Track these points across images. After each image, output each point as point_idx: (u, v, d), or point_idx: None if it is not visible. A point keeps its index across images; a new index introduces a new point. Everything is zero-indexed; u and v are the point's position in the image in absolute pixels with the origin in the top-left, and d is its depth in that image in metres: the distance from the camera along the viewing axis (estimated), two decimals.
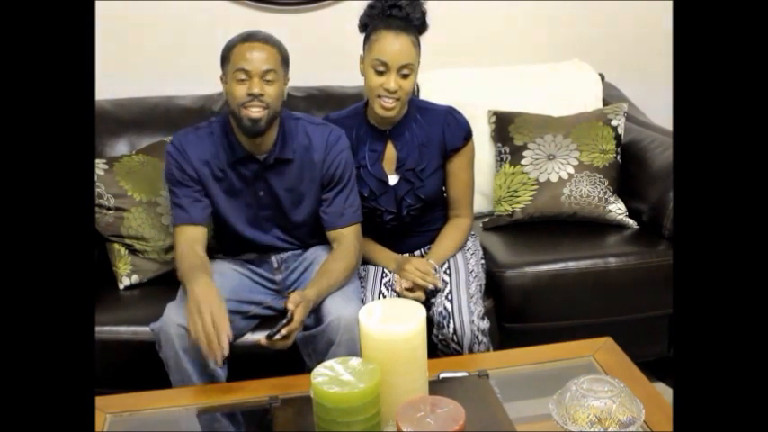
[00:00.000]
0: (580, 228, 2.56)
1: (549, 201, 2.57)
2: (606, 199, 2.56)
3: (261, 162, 2.04)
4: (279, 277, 2.19)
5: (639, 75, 3.10)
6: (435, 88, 2.70)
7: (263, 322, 2.13)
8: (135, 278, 2.36)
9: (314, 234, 2.17)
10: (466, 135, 2.21)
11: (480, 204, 2.66)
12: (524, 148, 2.63)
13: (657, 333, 2.46)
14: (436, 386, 1.69)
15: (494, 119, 2.74)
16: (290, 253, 2.19)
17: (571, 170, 2.58)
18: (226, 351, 1.78)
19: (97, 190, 2.36)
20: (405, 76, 2.04)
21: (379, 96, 2.04)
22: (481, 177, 2.58)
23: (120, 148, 2.58)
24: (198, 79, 2.39)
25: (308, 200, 2.10)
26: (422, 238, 2.29)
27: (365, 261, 2.21)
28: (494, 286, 2.32)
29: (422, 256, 2.27)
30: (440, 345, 2.06)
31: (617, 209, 2.56)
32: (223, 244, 2.19)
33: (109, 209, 2.36)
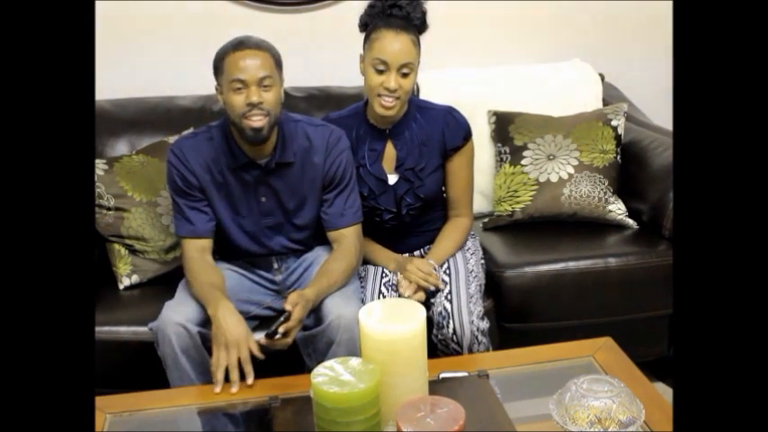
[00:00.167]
0: (580, 228, 2.56)
1: (549, 201, 2.57)
2: (606, 199, 2.56)
3: (262, 167, 2.03)
4: (279, 278, 2.19)
5: (639, 75, 3.10)
6: (435, 88, 2.70)
7: (264, 323, 2.13)
8: (135, 278, 2.36)
9: (316, 236, 2.17)
10: (465, 134, 2.21)
11: (480, 204, 2.67)
12: (524, 148, 2.64)
13: (657, 333, 2.47)
14: (436, 386, 1.69)
15: (494, 119, 2.74)
16: (290, 254, 2.19)
17: (571, 170, 2.58)
18: (249, 380, 1.81)
19: (97, 190, 2.36)
20: (405, 75, 2.04)
21: (379, 95, 2.04)
22: (481, 177, 2.58)
23: (120, 148, 2.58)
24: (198, 79, 2.38)
25: (310, 202, 2.10)
26: (421, 238, 2.29)
27: (365, 261, 2.21)
28: (494, 286, 2.32)
29: (422, 256, 2.27)
30: (440, 345, 2.06)
31: (617, 209, 2.57)
32: (224, 251, 2.18)
33: (109, 209, 2.36)
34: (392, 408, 1.49)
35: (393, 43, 2.01)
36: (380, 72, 2.03)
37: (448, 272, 2.17)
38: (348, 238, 2.09)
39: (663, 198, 2.46)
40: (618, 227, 2.57)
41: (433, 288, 2.11)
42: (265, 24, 2.78)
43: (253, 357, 1.83)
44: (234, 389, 1.79)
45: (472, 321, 2.03)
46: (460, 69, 2.87)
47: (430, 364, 1.65)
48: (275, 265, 2.18)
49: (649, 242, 2.46)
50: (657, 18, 3.02)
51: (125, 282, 2.36)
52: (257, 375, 1.83)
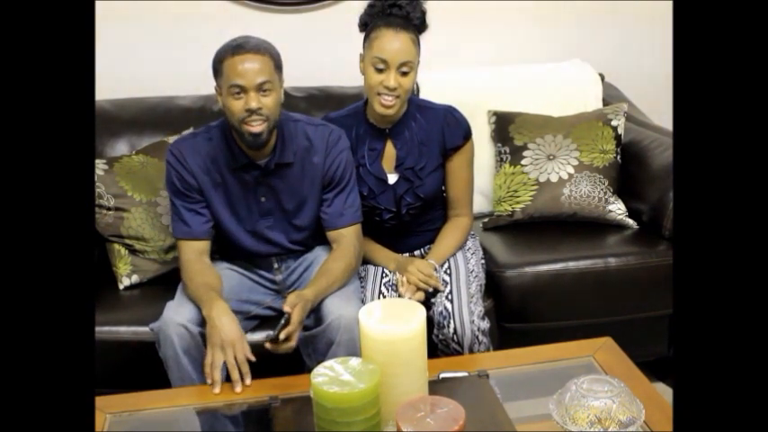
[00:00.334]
0: (580, 228, 2.56)
1: (549, 201, 2.57)
2: (606, 199, 2.56)
3: (261, 167, 2.03)
4: (279, 277, 2.19)
5: (639, 75, 3.10)
6: (435, 88, 2.70)
7: (264, 322, 2.13)
8: (135, 278, 2.36)
9: (316, 236, 2.17)
10: (465, 134, 2.21)
11: (480, 204, 2.66)
12: (524, 148, 2.63)
13: (657, 333, 2.46)
14: (436, 386, 1.69)
15: (494, 119, 2.74)
16: (290, 254, 2.19)
17: (571, 170, 2.58)
18: (247, 380, 1.81)
19: (97, 190, 2.36)
20: (404, 74, 2.04)
21: (379, 94, 2.05)
22: (481, 177, 2.58)
23: (120, 148, 2.58)
24: (198, 79, 2.38)
25: (310, 202, 2.10)
26: (421, 238, 2.29)
27: (365, 261, 2.21)
28: (494, 286, 2.32)
29: (422, 256, 2.27)
30: (440, 345, 2.06)
31: (617, 209, 2.57)
32: (223, 251, 2.18)
33: (109, 209, 2.36)
34: (392, 408, 1.48)
35: (393, 42, 2.01)
36: (380, 71, 2.03)
37: (448, 272, 2.17)
38: (347, 237, 2.09)
39: (663, 198, 2.46)
40: (618, 227, 2.57)
41: (432, 290, 2.11)
42: (265, 24, 2.78)
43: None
44: (237, 388, 1.79)
45: (473, 321, 2.03)
46: (460, 69, 2.87)
47: (430, 364, 1.65)
48: (275, 265, 2.18)
49: (649, 242, 2.46)
50: (657, 18, 3.02)
51: (125, 282, 2.36)
52: (258, 375, 1.83)
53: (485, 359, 1.98)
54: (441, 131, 2.18)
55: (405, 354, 1.56)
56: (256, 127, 1.92)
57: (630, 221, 2.56)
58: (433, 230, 2.28)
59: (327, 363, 1.54)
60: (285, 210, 2.09)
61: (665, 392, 2.20)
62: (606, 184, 2.58)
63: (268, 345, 1.84)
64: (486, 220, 2.64)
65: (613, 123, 2.67)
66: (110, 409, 1.75)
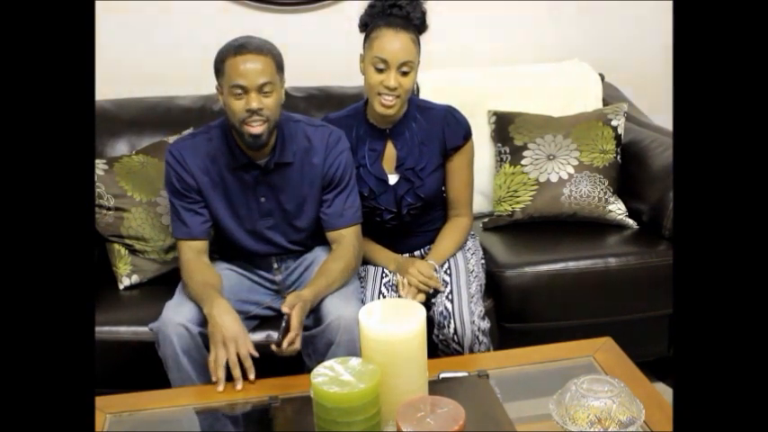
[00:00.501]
0: (580, 228, 2.56)
1: (549, 201, 2.57)
2: (606, 199, 2.56)
3: (261, 167, 2.03)
4: (278, 278, 2.19)
5: (639, 75, 3.10)
6: (435, 88, 2.70)
7: (264, 322, 2.13)
8: (135, 278, 2.36)
9: (315, 237, 2.17)
10: (466, 134, 2.21)
11: (480, 204, 2.67)
12: (524, 148, 2.64)
13: (657, 333, 2.47)
14: (436, 386, 1.69)
15: (494, 119, 2.74)
16: (290, 254, 2.19)
17: (571, 170, 2.58)
18: (251, 375, 1.81)
19: (97, 190, 2.36)
20: (405, 74, 2.04)
21: (379, 94, 2.05)
22: (481, 177, 2.58)
23: (120, 148, 2.58)
24: (198, 79, 2.39)
25: (309, 202, 2.10)
26: (422, 238, 2.29)
27: (365, 261, 2.21)
28: (494, 286, 2.32)
29: (422, 257, 2.27)
30: (440, 345, 2.06)
31: (617, 209, 2.57)
32: (223, 251, 2.18)
33: (109, 209, 2.36)
34: (392, 408, 1.48)
35: (393, 42, 2.01)
36: (380, 71, 2.03)
37: (448, 272, 2.17)
38: (347, 238, 2.09)
39: (663, 198, 2.46)
40: (618, 227, 2.57)
41: (432, 290, 2.11)
42: (265, 24, 2.77)
43: (252, 358, 1.83)
44: (238, 386, 1.79)
45: (473, 321, 2.03)
46: (460, 69, 2.87)
47: (430, 364, 1.65)
48: (275, 265, 2.18)
49: (649, 242, 2.46)
50: (657, 18, 3.03)
51: (125, 282, 2.36)
52: (258, 375, 1.83)
53: (485, 359, 1.98)
54: (441, 131, 2.18)
55: (405, 354, 1.56)
56: (256, 128, 1.92)
57: (630, 221, 2.56)
58: (433, 231, 2.28)
59: (327, 363, 1.54)
60: (285, 210, 2.09)
61: (665, 392, 2.19)
62: (606, 184, 2.58)
63: (274, 348, 1.84)
64: (486, 220, 2.64)
65: (613, 123, 2.67)
66: (110, 409, 1.75)
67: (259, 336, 2.07)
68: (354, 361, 1.54)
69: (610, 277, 2.37)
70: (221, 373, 1.80)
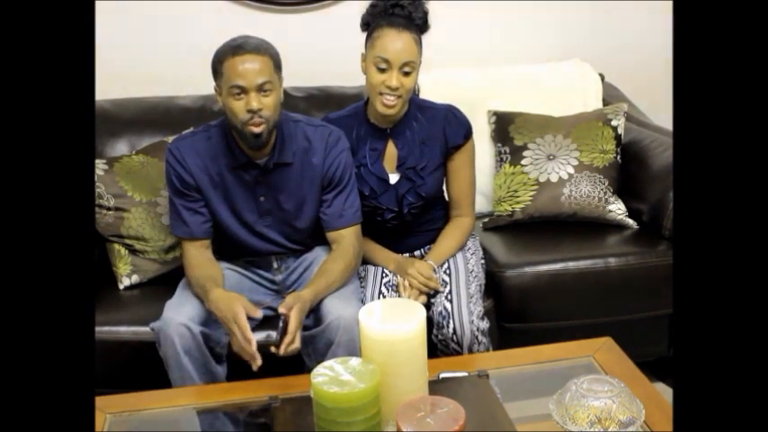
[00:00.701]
0: (580, 228, 2.56)
1: (549, 201, 2.57)
2: (606, 199, 2.56)
3: (261, 167, 2.03)
4: (279, 277, 2.19)
5: (639, 75, 3.10)
6: (435, 88, 2.70)
7: (264, 322, 2.13)
8: (135, 278, 2.36)
9: (315, 236, 2.17)
10: (466, 133, 2.21)
11: (480, 204, 2.66)
12: (524, 148, 2.64)
13: (657, 333, 2.47)
14: (436, 386, 1.69)
15: (494, 119, 2.74)
16: (290, 253, 2.19)
17: (571, 170, 2.58)
18: (258, 361, 1.83)
19: (97, 190, 2.36)
20: (406, 74, 2.04)
21: (381, 94, 2.05)
22: (481, 177, 2.58)
23: (120, 148, 2.58)
24: (198, 79, 2.38)
25: (309, 203, 2.10)
26: (422, 238, 2.29)
27: (365, 261, 2.21)
28: (494, 286, 2.32)
29: (422, 256, 2.27)
30: (440, 345, 2.06)
31: (617, 209, 2.57)
32: (223, 250, 2.18)
33: (109, 209, 2.36)
34: (392, 408, 1.48)
35: (395, 41, 2.01)
36: (382, 70, 2.03)
37: (448, 272, 2.17)
38: (347, 238, 2.09)
39: (663, 198, 2.46)
40: (618, 227, 2.57)
41: (432, 292, 2.11)
42: (265, 24, 2.78)
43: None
44: (258, 362, 1.82)
45: (472, 321, 2.03)
46: (460, 69, 2.87)
47: (430, 364, 1.65)
48: (275, 265, 2.18)
49: (649, 242, 2.46)
50: (657, 18, 3.03)
51: (125, 282, 2.36)
52: (257, 375, 1.83)
53: (485, 359, 1.98)
54: (442, 130, 2.18)
55: (405, 354, 1.56)
56: (257, 128, 1.92)
57: (630, 221, 2.56)
58: (434, 230, 2.28)
59: (327, 363, 1.54)
60: (284, 210, 2.09)
61: (665, 392, 2.19)
62: (606, 184, 2.58)
63: (273, 349, 1.84)
64: (486, 220, 2.64)
65: (613, 123, 2.67)
66: (110, 409, 1.75)
67: (259, 336, 2.07)
68: (354, 361, 1.54)
69: (610, 277, 2.37)
70: (251, 352, 1.82)
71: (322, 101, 2.71)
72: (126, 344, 2.13)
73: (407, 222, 2.24)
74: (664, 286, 2.31)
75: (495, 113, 2.74)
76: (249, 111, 1.90)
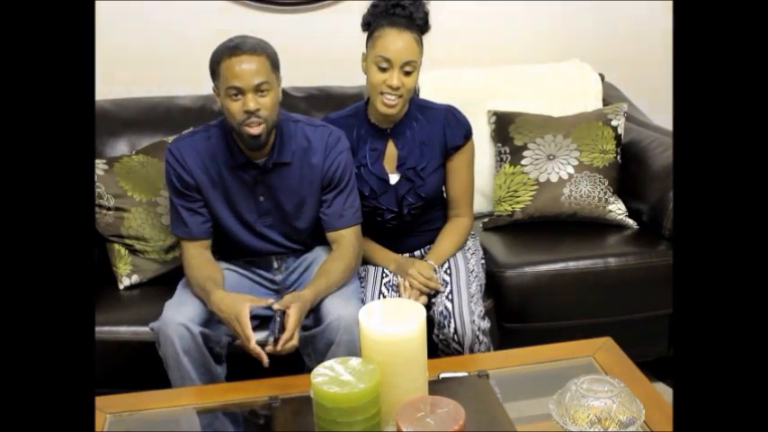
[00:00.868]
0: (580, 228, 2.56)
1: (549, 201, 2.57)
2: (606, 199, 2.56)
3: (260, 166, 2.03)
4: (279, 277, 2.19)
5: (639, 75, 3.10)
6: (435, 88, 2.70)
7: (264, 322, 2.13)
8: (135, 278, 2.36)
9: (315, 236, 2.17)
10: (466, 133, 2.21)
11: (480, 204, 2.66)
12: (524, 148, 2.64)
13: (657, 333, 2.46)
14: (436, 386, 1.69)
15: (494, 119, 2.74)
16: (290, 253, 2.19)
17: (571, 170, 2.58)
18: (265, 359, 1.83)
19: (97, 190, 2.36)
20: (407, 74, 2.04)
21: (382, 93, 2.05)
22: (481, 177, 2.58)
23: (120, 148, 2.58)
24: (198, 79, 2.38)
25: (309, 203, 2.10)
26: (422, 238, 2.29)
27: (365, 261, 2.21)
28: (494, 286, 2.32)
29: (422, 257, 2.27)
30: (440, 345, 2.06)
31: (617, 209, 2.57)
32: (223, 251, 2.18)
33: (109, 209, 2.36)
34: (392, 408, 1.48)
35: (396, 41, 2.01)
36: (383, 70, 2.03)
37: (448, 272, 2.17)
38: (347, 238, 2.09)
39: (663, 198, 2.46)
40: (618, 227, 2.57)
41: (433, 292, 2.11)
42: (265, 24, 2.78)
43: (252, 357, 1.84)
44: (265, 359, 1.82)
45: (473, 321, 2.03)
46: (460, 69, 2.87)
47: (430, 364, 1.65)
48: (275, 265, 2.18)
49: (649, 242, 2.46)
50: (657, 18, 3.03)
51: (125, 282, 2.36)
52: (257, 375, 1.83)
53: (485, 359, 1.98)
54: (442, 131, 2.18)
55: (405, 354, 1.56)
56: (255, 128, 1.92)
57: (630, 221, 2.56)
58: (433, 230, 2.28)
59: (327, 363, 1.54)
60: (284, 210, 2.09)
61: (665, 392, 2.20)
62: (606, 184, 2.58)
63: (269, 348, 1.83)
64: (486, 220, 2.64)
65: (613, 123, 2.67)
66: (110, 409, 1.75)
67: (259, 336, 2.07)
68: (354, 361, 1.54)
69: (610, 277, 2.37)
70: (257, 351, 1.83)
71: (322, 101, 2.71)
72: (126, 344, 2.13)
73: (407, 223, 2.24)
74: (664, 286, 2.30)
75: (495, 113, 2.74)
76: (246, 112, 1.90)
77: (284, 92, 2.04)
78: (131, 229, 2.36)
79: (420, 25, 2.06)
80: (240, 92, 1.89)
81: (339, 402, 1.46)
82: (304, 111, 2.53)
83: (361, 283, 2.17)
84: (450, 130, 2.19)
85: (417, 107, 2.20)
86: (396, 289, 2.14)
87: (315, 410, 1.50)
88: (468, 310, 2.04)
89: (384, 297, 2.12)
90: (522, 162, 2.62)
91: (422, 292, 2.10)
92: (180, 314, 1.91)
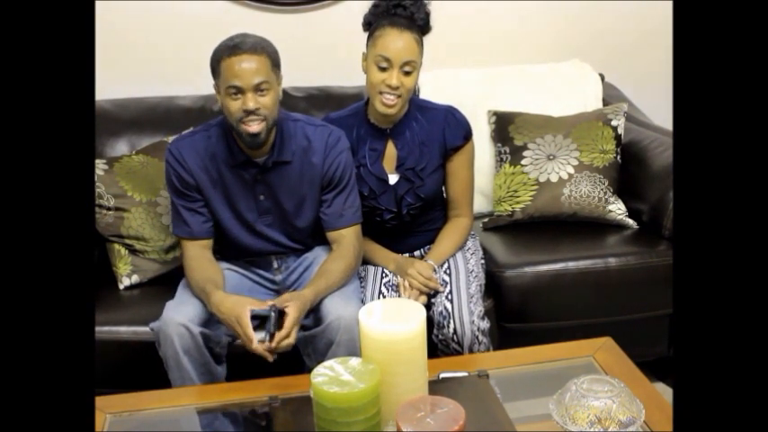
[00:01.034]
0: (580, 228, 2.56)
1: (549, 201, 2.57)
2: (606, 199, 2.56)
3: (260, 165, 2.03)
4: (279, 277, 2.19)
5: (639, 75, 3.10)
6: (435, 88, 2.70)
7: (264, 322, 2.13)
8: (135, 278, 2.36)
9: (315, 236, 2.17)
10: (466, 134, 2.21)
11: (480, 204, 2.66)
12: (524, 148, 2.64)
13: (657, 333, 2.46)
14: (436, 386, 1.69)
15: (494, 119, 2.74)
16: (290, 253, 2.19)
17: (571, 170, 2.58)
18: (269, 356, 1.84)
19: (97, 190, 2.36)
20: (407, 74, 2.04)
21: (381, 93, 2.05)
22: (481, 177, 2.58)
23: (120, 148, 2.58)
24: (198, 79, 2.39)
25: (309, 202, 2.10)
26: (422, 238, 2.29)
27: (365, 261, 2.21)
28: (494, 286, 2.32)
29: (421, 256, 2.27)
30: (440, 345, 2.06)
31: (617, 209, 2.57)
32: (223, 251, 2.18)
33: (109, 209, 2.36)
34: (392, 408, 1.48)
35: (396, 41, 2.01)
36: (383, 69, 2.03)
37: (448, 272, 2.17)
38: (347, 238, 2.09)
39: (663, 198, 2.46)
40: (618, 227, 2.57)
41: (432, 292, 2.11)
42: (265, 24, 2.77)
43: (252, 357, 1.84)
44: (270, 357, 1.83)
45: (473, 321, 2.03)
46: (460, 69, 2.87)
47: (430, 364, 1.65)
48: (275, 265, 2.18)
49: (649, 242, 2.46)
50: (657, 18, 3.03)
51: (125, 282, 2.36)
52: (257, 375, 1.83)
53: (485, 359, 1.98)
54: (441, 131, 2.18)
55: (405, 354, 1.56)
56: (254, 127, 1.92)
57: (630, 221, 2.56)
58: (433, 230, 2.28)
59: (327, 363, 1.54)
60: (284, 209, 2.09)
61: (665, 392, 2.20)
62: (606, 184, 2.58)
63: (265, 345, 1.83)
64: (486, 220, 2.64)
65: (613, 123, 2.67)
66: (110, 409, 1.75)
67: (259, 336, 2.07)
68: (354, 361, 1.54)
69: (610, 277, 2.37)
70: (259, 349, 1.83)
71: (322, 101, 2.71)
72: (126, 344, 2.13)
73: (406, 223, 2.24)
74: (664, 286, 2.31)
75: (495, 113, 2.74)
76: (245, 110, 1.90)
77: (284, 92, 2.04)
78: (131, 229, 2.36)
79: (421, 26, 2.06)
80: (240, 91, 1.89)
81: (339, 402, 1.46)
82: (304, 111, 2.53)
83: (361, 282, 2.17)
84: (449, 130, 2.19)
85: (417, 107, 2.20)
86: (396, 289, 2.14)
87: (315, 410, 1.50)
88: (467, 311, 2.04)
89: (384, 297, 2.12)
90: (522, 162, 2.62)
91: (421, 292, 2.10)
92: (180, 314, 1.91)
